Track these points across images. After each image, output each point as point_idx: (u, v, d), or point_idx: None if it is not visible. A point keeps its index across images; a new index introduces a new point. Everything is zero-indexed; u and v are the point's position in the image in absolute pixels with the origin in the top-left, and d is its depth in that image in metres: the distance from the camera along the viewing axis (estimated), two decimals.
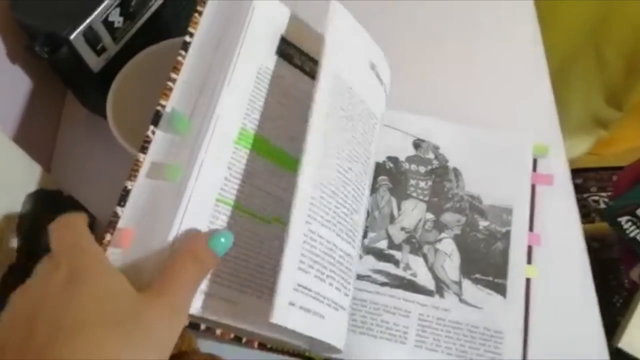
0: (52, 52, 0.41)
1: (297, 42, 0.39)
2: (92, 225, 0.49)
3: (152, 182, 0.32)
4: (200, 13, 0.35)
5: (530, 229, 0.45)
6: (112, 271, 0.28)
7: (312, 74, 0.39)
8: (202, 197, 0.32)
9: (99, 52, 0.42)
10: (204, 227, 0.32)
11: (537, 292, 0.43)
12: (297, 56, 0.39)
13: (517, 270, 0.43)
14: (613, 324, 0.79)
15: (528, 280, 0.43)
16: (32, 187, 0.38)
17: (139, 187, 0.32)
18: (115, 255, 0.30)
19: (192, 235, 0.31)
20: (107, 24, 0.41)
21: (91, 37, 0.41)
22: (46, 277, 0.27)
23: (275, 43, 0.37)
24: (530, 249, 0.45)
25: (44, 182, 0.40)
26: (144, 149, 0.33)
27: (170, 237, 0.30)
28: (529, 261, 0.44)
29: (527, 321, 0.42)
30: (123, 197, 0.32)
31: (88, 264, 0.27)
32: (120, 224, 0.31)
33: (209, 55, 0.35)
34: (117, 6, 0.41)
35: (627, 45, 0.95)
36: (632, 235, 0.78)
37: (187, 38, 0.35)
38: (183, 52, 0.35)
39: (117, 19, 0.42)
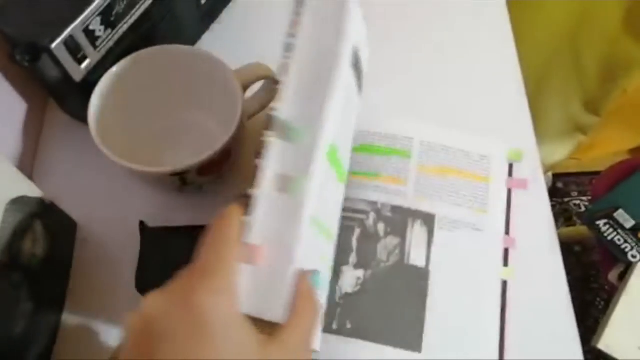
0: (32, 61, 0.41)
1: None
2: (74, 231, 0.49)
3: (276, 195, 0.30)
4: (299, 14, 0.34)
5: (507, 232, 0.46)
6: (244, 322, 0.26)
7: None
8: (310, 213, 0.31)
9: (80, 61, 0.42)
10: (312, 249, 0.31)
11: (513, 294, 0.45)
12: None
13: (493, 272, 0.44)
14: (595, 325, 0.80)
15: (505, 283, 0.44)
16: (14, 194, 0.39)
17: (264, 199, 0.30)
18: (247, 273, 0.28)
19: (300, 274, 0.29)
20: (88, 32, 0.42)
21: (72, 46, 0.41)
22: (176, 315, 0.25)
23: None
24: (506, 251, 0.46)
25: (26, 189, 0.40)
26: (261, 155, 0.31)
27: (295, 257, 0.29)
28: (506, 264, 0.45)
29: (504, 322, 0.43)
30: (248, 206, 0.30)
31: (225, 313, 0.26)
32: (252, 239, 0.29)
33: (312, 60, 0.34)
34: (98, 15, 0.42)
35: (603, 51, 0.97)
36: (609, 238, 0.80)
37: (290, 39, 0.34)
38: (287, 54, 0.33)
39: (98, 27, 0.42)
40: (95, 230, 0.49)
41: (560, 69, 1.03)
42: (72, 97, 0.45)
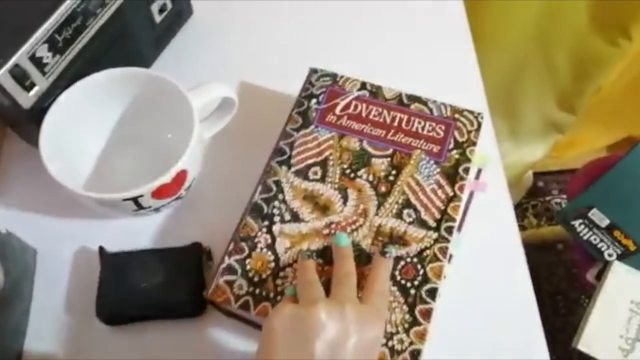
0: None
1: None
2: (34, 258, 0.48)
3: None
4: None
5: (459, 229, 0.46)
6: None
7: None
8: None
9: (28, 88, 0.42)
10: None
11: (469, 294, 0.45)
12: None
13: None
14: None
15: None
16: None
17: None
18: None
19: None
20: (35, 60, 0.41)
21: (19, 74, 0.40)
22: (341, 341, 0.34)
23: None
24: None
25: None
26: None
27: None
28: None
29: None
30: None
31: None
32: None
33: None
34: (44, 42, 0.41)
35: (573, 50, 0.98)
36: (585, 237, 0.80)
37: None
38: None
39: (45, 54, 0.42)
40: (56, 257, 0.49)
41: (533, 69, 1.03)
42: (24, 124, 0.45)
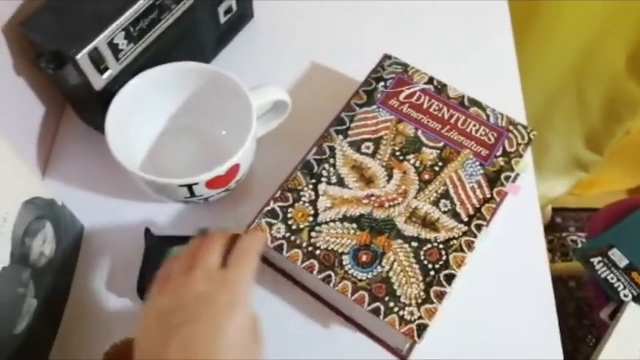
0: (57, 69, 0.43)
1: None
2: (81, 233, 0.51)
3: None
4: None
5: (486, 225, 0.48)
6: (251, 310, 0.35)
7: None
8: None
9: (102, 71, 0.44)
10: None
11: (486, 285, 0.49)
12: None
13: None
14: None
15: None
16: (30, 194, 0.40)
17: None
18: None
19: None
20: (112, 45, 0.44)
21: (96, 57, 0.43)
22: (216, 288, 0.35)
23: None
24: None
25: (40, 191, 0.42)
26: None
27: None
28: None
29: None
30: None
31: (243, 292, 0.35)
32: None
33: None
34: (122, 30, 0.44)
35: (607, 91, 0.99)
36: (603, 276, 0.81)
37: None
38: None
39: (121, 41, 0.44)
40: (101, 235, 0.51)
41: (565, 105, 1.05)
42: (91, 105, 0.47)
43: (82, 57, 0.42)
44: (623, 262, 0.81)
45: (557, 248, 1.32)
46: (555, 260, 1.30)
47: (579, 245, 1.33)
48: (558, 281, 1.24)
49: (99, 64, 0.44)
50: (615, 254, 0.82)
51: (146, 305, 0.36)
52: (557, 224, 1.35)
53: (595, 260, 0.82)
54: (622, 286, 0.80)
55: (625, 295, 0.79)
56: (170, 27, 0.48)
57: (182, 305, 0.34)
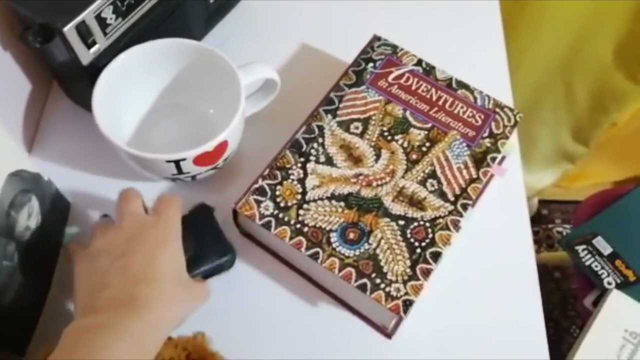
0: (44, 42, 0.43)
1: None
2: (67, 210, 0.50)
3: None
4: None
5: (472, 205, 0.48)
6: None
7: None
8: None
9: (89, 46, 0.44)
10: None
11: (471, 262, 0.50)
12: None
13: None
14: (569, 351, 0.82)
15: None
16: (14, 167, 0.40)
17: None
18: None
19: None
20: (100, 19, 0.44)
21: (83, 31, 0.43)
22: (146, 228, 0.39)
23: None
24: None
25: (25, 164, 0.42)
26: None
27: None
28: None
29: None
30: None
31: (174, 231, 0.40)
32: None
33: None
34: (110, 4, 0.44)
35: (594, 83, 1.00)
36: (587, 263, 0.82)
37: None
38: None
39: (109, 15, 0.44)
40: (87, 212, 0.51)
41: (552, 97, 1.06)
42: (78, 80, 0.47)
43: (69, 30, 0.42)
44: (607, 250, 0.82)
45: (543, 240, 1.34)
46: (541, 252, 1.31)
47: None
48: (543, 272, 1.25)
49: (87, 38, 0.43)
50: (599, 242, 0.83)
51: (79, 254, 0.40)
52: (543, 216, 1.37)
53: (579, 248, 0.83)
54: (605, 274, 0.81)
55: (609, 283, 0.80)
56: (159, 3, 0.48)
57: (115, 246, 0.38)
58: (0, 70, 0.48)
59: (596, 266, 0.82)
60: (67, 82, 0.52)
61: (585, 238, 0.83)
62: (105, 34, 0.45)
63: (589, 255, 0.83)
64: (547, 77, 1.02)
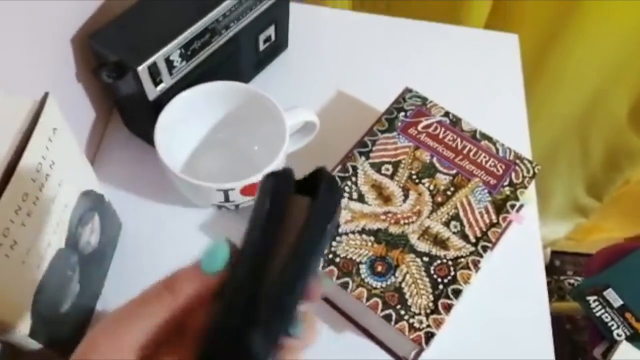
0: (117, 78, 0.49)
1: None
2: (119, 230, 0.55)
3: None
4: None
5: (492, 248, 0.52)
6: None
7: None
8: None
9: (157, 84, 0.50)
10: None
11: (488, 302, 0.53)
12: None
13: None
14: None
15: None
16: (86, 186, 0.45)
17: None
18: None
19: None
20: (168, 61, 0.49)
21: (154, 71, 0.48)
22: None
23: None
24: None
25: (95, 184, 0.47)
26: None
27: None
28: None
29: None
30: None
31: None
32: None
33: None
34: (178, 49, 0.49)
35: (609, 140, 1.05)
36: (598, 314, 0.85)
37: None
38: None
39: (176, 58, 0.50)
40: (136, 233, 0.55)
41: (567, 152, 1.10)
42: (142, 113, 0.52)
43: (142, 69, 0.47)
44: (617, 302, 0.85)
45: (554, 290, 1.36)
46: (552, 302, 1.33)
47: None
48: (555, 322, 1.27)
49: (155, 77, 0.49)
50: (610, 294, 0.85)
51: None
52: (555, 267, 1.39)
53: (591, 298, 0.86)
54: (615, 325, 0.84)
55: (619, 335, 0.83)
56: (218, 50, 0.54)
57: None
58: (72, 100, 0.54)
59: (606, 317, 0.85)
60: (129, 114, 0.57)
61: (597, 289, 0.86)
62: (170, 74, 0.51)
63: (600, 306, 0.85)
64: (564, 132, 1.06)
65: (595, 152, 1.08)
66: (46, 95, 0.37)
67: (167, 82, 0.51)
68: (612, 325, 0.84)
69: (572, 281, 1.37)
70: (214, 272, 0.26)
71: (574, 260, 1.39)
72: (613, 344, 0.82)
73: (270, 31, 0.62)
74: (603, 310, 0.85)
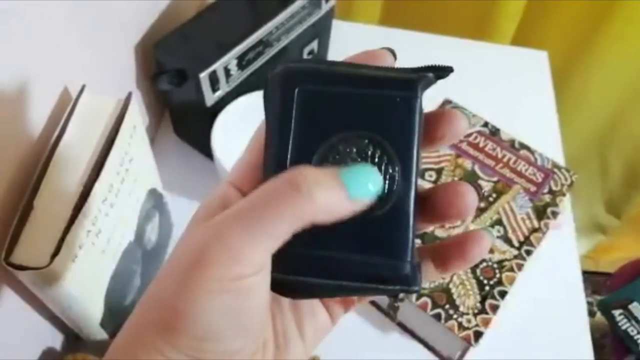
0: (177, 85, 0.51)
1: None
2: (171, 231, 0.57)
3: None
4: None
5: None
6: None
7: None
8: None
9: (214, 91, 0.52)
10: None
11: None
12: None
13: None
14: None
15: None
16: (152, 185, 0.47)
17: None
18: None
19: None
20: (226, 70, 0.52)
21: (213, 78, 0.51)
22: None
23: None
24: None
25: (157, 184, 0.49)
26: None
27: None
28: None
29: None
30: None
31: None
32: None
33: None
34: (235, 58, 0.52)
35: (629, 160, 1.07)
36: (623, 328, 0.86)
37: None
38: None
39: (233, 67, 0.53)
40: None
41: (588, 169, 1.12)
42: (198, 119, 0.55)
43: (204, 76, 0.50)
44: None
45: None
46: None
47: (594, 308, 1.36)
48: None
49: (214, 84, 0.52)
50: (635, 308, 0.86)
51: None
52: None
53: (616, 312, 0.87)
54: None
55: None
56: (269, 60, 0.57)
57: None
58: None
59: (632, 331, 0.86)
60: (183, 120, 0.60)
61: (622, 303, 0.87)
62: (227, 81, 0.53)
63: (625, 320, 0.86)
64: (584, 150, 1.08)
65: (615, 170, 1.10)
66: (130, 94, 0.39)
67: (223, 89, 0.53)
68: (638, 338, 0.84)
69: (590, 300, 1.37)
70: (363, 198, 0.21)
71: (591, 279, 1.40)
72: (639, 357, 0.83)
73: (314, 45, 0.64)
74: (629, 324, 0.86)
